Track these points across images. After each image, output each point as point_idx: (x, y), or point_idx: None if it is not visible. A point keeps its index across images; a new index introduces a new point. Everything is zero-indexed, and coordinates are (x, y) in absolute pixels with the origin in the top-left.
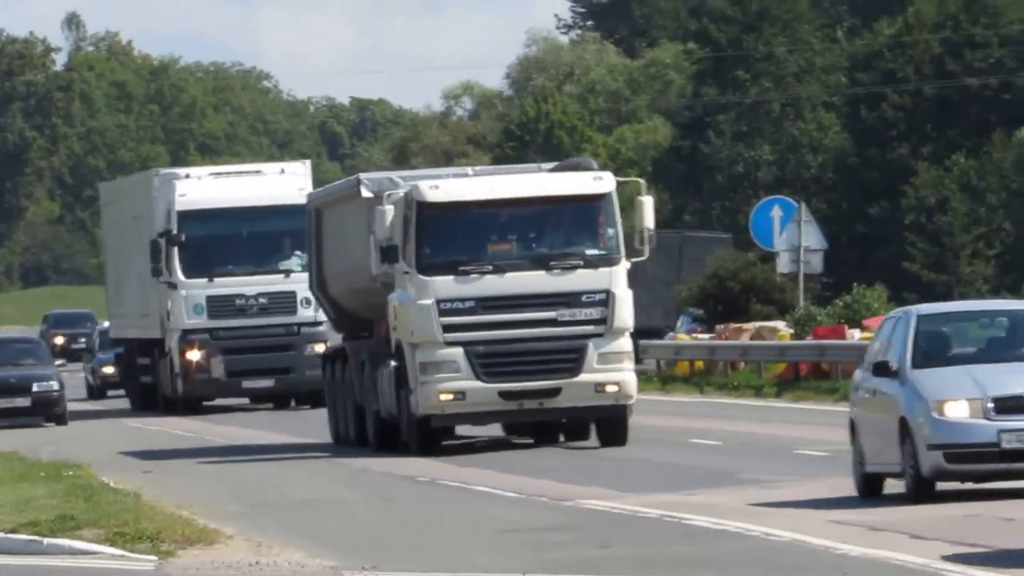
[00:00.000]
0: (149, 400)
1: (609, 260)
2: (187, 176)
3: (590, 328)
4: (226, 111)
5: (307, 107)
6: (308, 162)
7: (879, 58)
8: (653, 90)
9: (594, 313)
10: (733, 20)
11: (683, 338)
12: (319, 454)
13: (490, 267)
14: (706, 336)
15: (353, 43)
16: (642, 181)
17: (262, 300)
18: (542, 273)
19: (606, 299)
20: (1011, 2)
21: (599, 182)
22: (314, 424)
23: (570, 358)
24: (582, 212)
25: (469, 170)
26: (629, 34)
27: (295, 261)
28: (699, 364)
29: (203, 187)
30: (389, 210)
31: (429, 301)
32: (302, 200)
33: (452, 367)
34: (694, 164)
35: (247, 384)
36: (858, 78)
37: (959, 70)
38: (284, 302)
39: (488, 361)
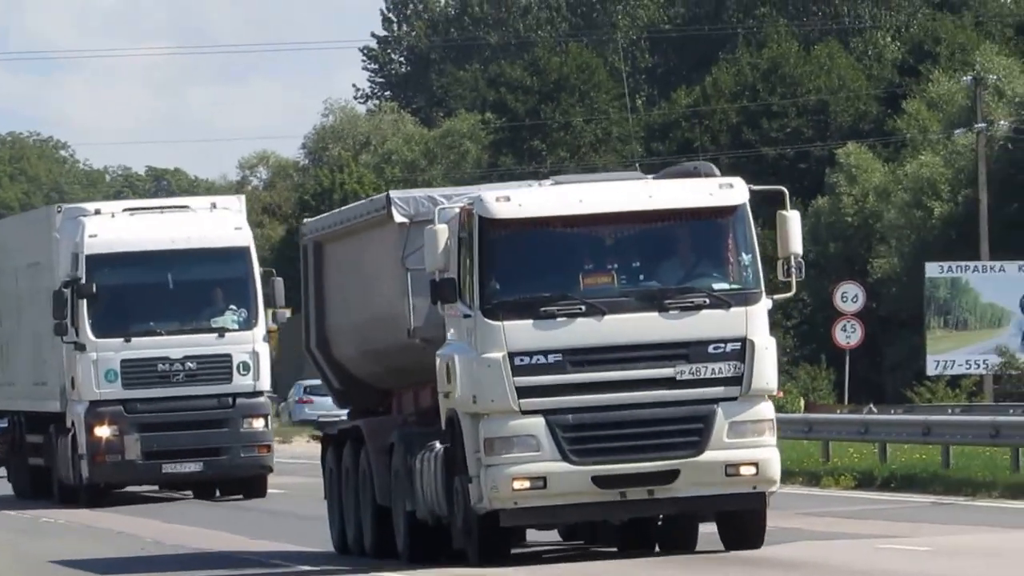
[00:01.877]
0: (39, 486)
1: (745, 297)
2: (97, 212)
3: (719, 390)
4: (21, 180)
5: (103, 176)
6: (243, 197)
7: (676, 127)
8: (449, 160)
9: (725, 369)
10: (531, 90)
11: None
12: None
13: (582, 307)
14: None
15: (150, 112)
16: (784, 190)
17: (190, 365)
18: (654, 315)
19: (741, 350)
20: (808, 72)
21: (728, 191)
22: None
23: (692, 430)
24: (707, 232)
25: (536, 183)
26: (427, 104)
27: (230, 317)
28: None
29: (118, 226)
30: (442, 231)
31: (499, 355)
32: (239, 242)
33: (530, 444)
34: None
35: (168, 468)
36: (654, 148)
37: (756, 139)
38: (216, 368)
39: (579, 435)
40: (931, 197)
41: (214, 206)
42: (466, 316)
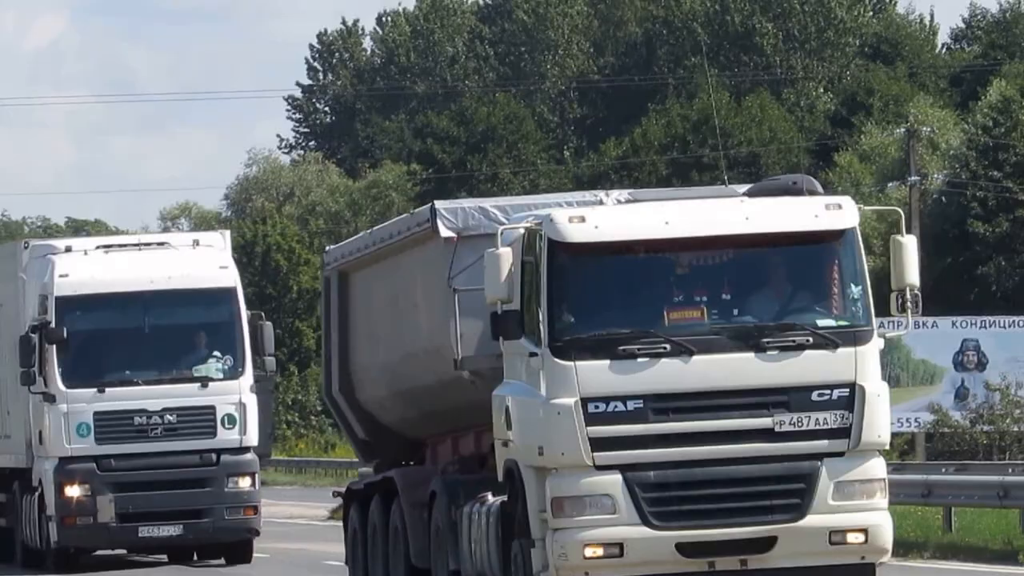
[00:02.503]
0: (1, 549)
1: (854, 336)
2: (68, 250)
3: (824, 443)
4: None
5: (21, 228)
6: (227, 233)
7: (605, 179)
8: (374, 211)
9: (830, 419)
10: (458, 140)
11: None
12: None
13: (667, 346)
14: None
15: (70, 163)
16: (900, 211)
17: (169, 418)
18: (750, 356)
19: (850, 397)
20: (739, 123)
21: (837, 213)
22: None
23: (792, 491)
24: (811, 260)
25: (603, 195)
26: (351, 154)
27: (214, 365)
28: None
29: (91, 265)
30: (506, 256)
31: (570, 400)
32: (224, 282)
33: (605, 505)
34: None
35: (145, 532)
36: None
37: None
38: (199, 421)
39: (662, 495)
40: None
41: (196, 243)
42: (532, 354)
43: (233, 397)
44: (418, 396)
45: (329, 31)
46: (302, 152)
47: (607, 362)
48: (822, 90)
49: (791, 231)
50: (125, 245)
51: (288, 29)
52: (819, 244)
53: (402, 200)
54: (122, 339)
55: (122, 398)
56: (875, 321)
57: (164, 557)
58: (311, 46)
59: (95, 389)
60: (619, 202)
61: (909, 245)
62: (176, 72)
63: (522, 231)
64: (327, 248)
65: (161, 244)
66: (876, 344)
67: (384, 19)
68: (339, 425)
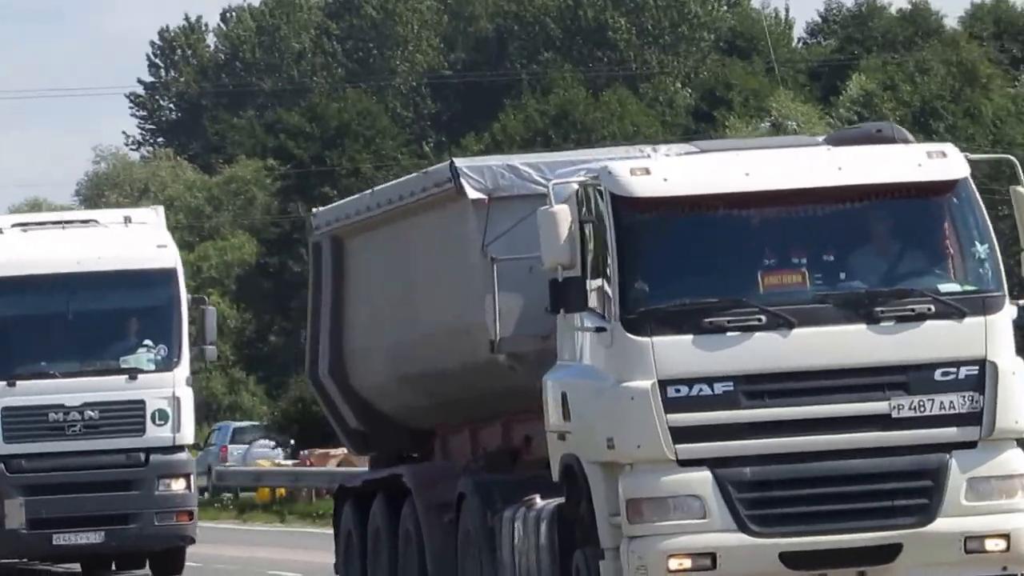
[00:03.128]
0: None
1: (983, 303)
2: None
3: (952, 431)
4: None
5: None
6: (161, 209)
7: None
8: (236, 205)
9: (958, 403)
10: (312, 136)
11: (265, 464)
12: None
13: (762, 318)
14: (290, 463)
15: None
16: (1014, 160)
17: (90, 414)
18: (861, 329)
19: (980, 376)
20: (599, 118)
21: (942, 161)
22: None
23: (917, 489)
24: (921, 215)
25: (650, 149)
26: (203, 150)
27: (145, 356)
28: (281, 492)
29: (9, 245)
30: (564, 214)
31: (646, 383)
32: (163, 262)
33: (692, 508)
34: (281, 281)
35: (61, 539)
36: None
37: None
38: (126, 417)
39: (762, 496)
40: None
41: (128, 220)
42: (599, 330)
43: (166, 391)
44: (434, 382)
45: (171, 27)
46: (151, 148)
47: (690, 337)
48: (680, 85)
49: (894, 182)
50: (45, 223)
51: (128, 25)
52: (929, 197)
53: (264, 195)
54: (40, 327)
55: (35, 392)
56: (1006, 285)
57: (77, 566)
58: (152, 43)
59: (4, 383)
60: (658, 155)
61: None
62: (17, 71)
63: (575, 187)
64: (314, 210)
65: (87, 222)
66: (1008, 313)
67: (228, 15)
68: (326, 412)
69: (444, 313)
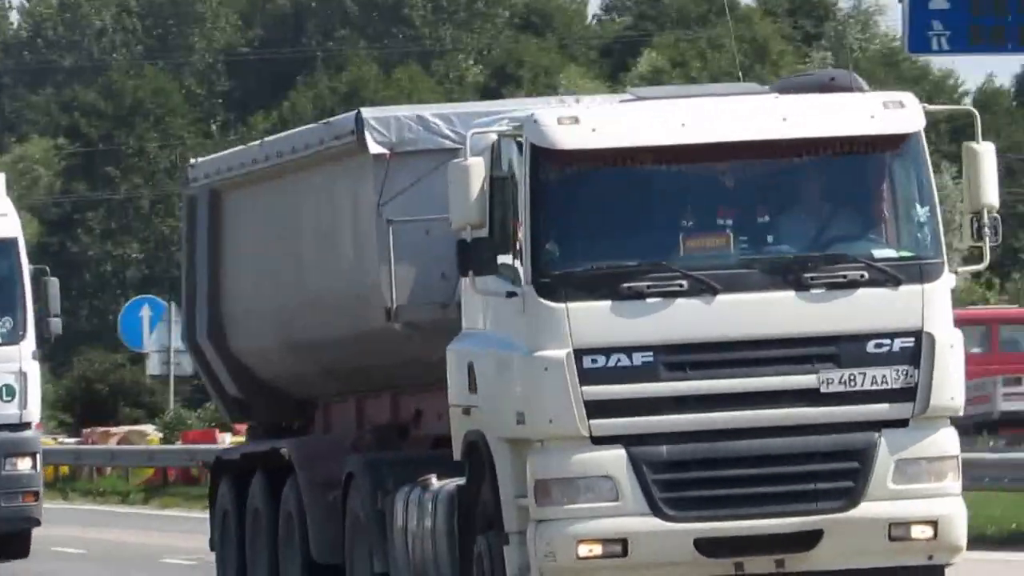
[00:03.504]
0: None
1: (920, 270)
2: None
3: (883, 408)
4: None
5: None
6: (3, 175)
7: None
8: (21, 186)
9: (890, 377)
10: (105, 115)
11: (47, 442)
12: None
13: (684, 283)
14: (72, 440)
15: None
16: (975, 111)
17: None
18: (789, 296)
19: (915, 348)
20: (389, 96)
21: (899, 113)
22: None
23: (842, 471)
24: (866, 173)
25: (585, 98)
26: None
27: None
28: (64, 469)
29: None
30: (477, 168)
31: (560, 352)
32: (4, 231)
33: (604, 489)
34: (62, 262)
35: None
36: None
37: None
38: None
39: (678, 477)
40: None
41: None
42: (509, 295)
43: (12, 365)
44: (322, 350)
45: None
46: None
47: (608, 304)
48: (472, 62)
49: (842, 135)
50: None
51: None
52: (876, 153)
53: (49, 175)
54: None
55: None
56: (945, 253)
57: None
58: None
59: None
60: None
61: (987, 155)
62: None
63: (494, 137)
64: (192, 161)
65: None
66: (947, 282)
67: None
68: (203, 379)
69: (336, 277)
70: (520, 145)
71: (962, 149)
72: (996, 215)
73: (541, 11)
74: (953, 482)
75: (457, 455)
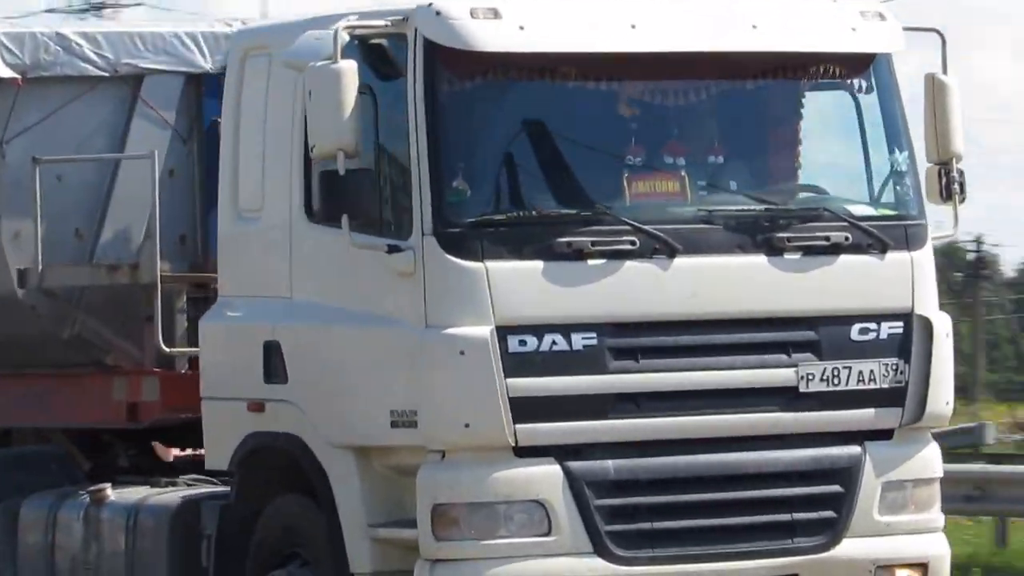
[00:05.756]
0: None
1: (906, 234)
2: None
3: (868, 415)
4: None
5: None
6: None
7: None
8: None
9: (879, 373)
10: None
11: None
12: None
13: (633, 240)
14: None
15: None
16: (941, 34)
17: None
18: (759, 261)
19: (904, 336)
20: None
21: (878, 27)
22: None
23: (822, 496)
24: (839, 101)
25: None
26: None
27: None
28: None
29: None
30: (350, 73)
31: (481, 331)
32: None
33: (533, 519)
34: None
35: None
36: None
37: None
38: None
39: (628, 503)
40: None
41: None
42: (393, 249)
43: None
44: None
45: None
46: None
47: (538, 264)
48: None
49: (819, 51)
50: None
51: None
52: (853, 76)
53: None
54: None
55: None
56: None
57: None
58: None
59: None
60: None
61: (955, 90)
62: None
63: (343, 39)
64: None
65: None
66: (930, 249)
67: None
68: None
69: None
70: (404, 45)
71: (924, 82)
72: (961, 168)
73: None
74: (938, 513)
75: (219, 464)
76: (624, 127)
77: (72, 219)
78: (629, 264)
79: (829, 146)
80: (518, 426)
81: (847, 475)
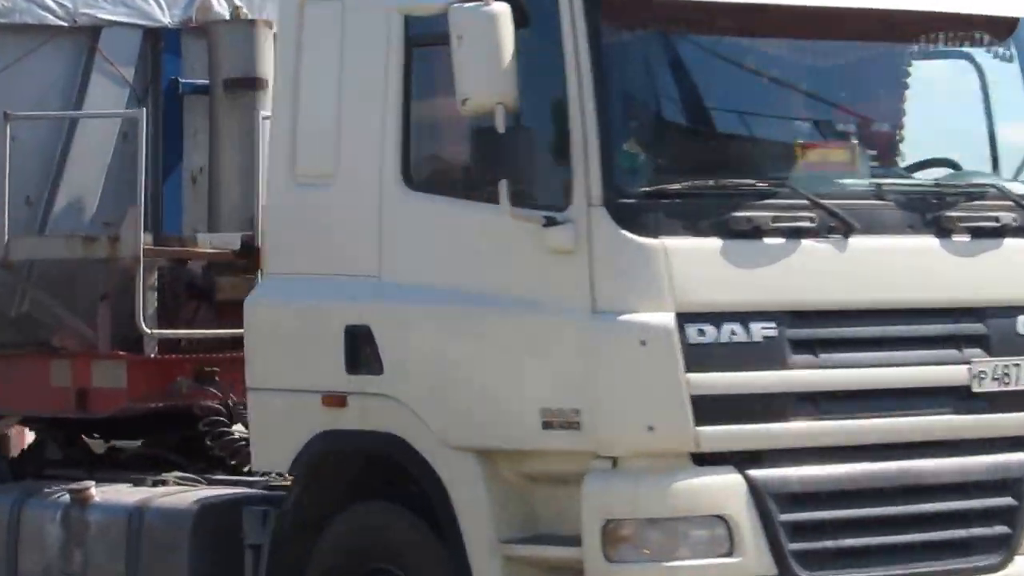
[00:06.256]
0: None
1: None
2: None
3: None
4: None
5: None
6: None
7: None
8: None
9: None
10: None
11: None
12: None
13: (812, 216)
14: None
15: None
16: None
17: None
18: (930, 243)
19: None
20: None
21: None
22: None
23: (996, 509)
24: (999, 71)
25: None
26: None
27: None
28: None
29: None
30: (504, 17)
31: (664, 318)
32: None
33: (716, 536)
34: None
35: None
36: None
37: None
38: None
39: (813, 518)
40: None
41: None
42: (550, 222)
43: None
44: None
45: None
46: None
47: (716, 242)
48: None
49: (992, 15)
50: None
51: None
52: (1001, 43)
53: None
54: None
55: None
56: None
57: None
58: None
59: None
60: None
61: None
62: None
63: None
64: None
65: None
66: None
67: None
68: None
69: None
70: None
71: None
72: None
73: None
74: None
75: (273, 462)
76: (798, 90)
77: (23, 185)
78: (806, 243)
79: (983, 115)
80: (699, 429)
81: (1019, 485)
